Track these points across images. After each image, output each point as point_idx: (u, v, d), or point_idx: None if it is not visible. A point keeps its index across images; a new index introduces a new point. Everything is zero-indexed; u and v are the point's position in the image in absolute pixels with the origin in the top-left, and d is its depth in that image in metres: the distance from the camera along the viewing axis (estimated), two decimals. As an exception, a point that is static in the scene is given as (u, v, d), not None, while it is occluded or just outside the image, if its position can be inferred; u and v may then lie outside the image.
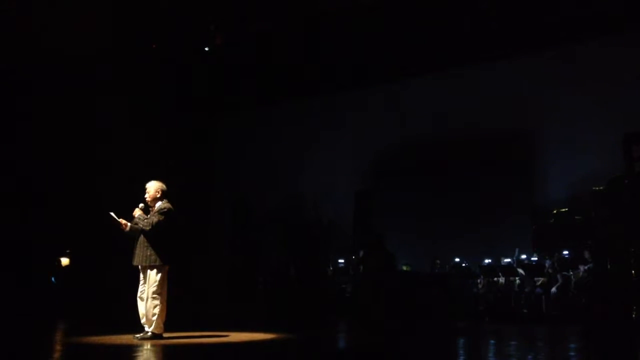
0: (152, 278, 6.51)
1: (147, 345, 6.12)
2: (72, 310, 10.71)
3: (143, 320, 6.59)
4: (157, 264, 6.50)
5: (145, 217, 6.57)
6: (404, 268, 12.32)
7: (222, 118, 15.47)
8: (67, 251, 13.00)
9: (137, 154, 11.86)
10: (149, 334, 6.49)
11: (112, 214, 6.64)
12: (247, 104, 14.86)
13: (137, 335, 6.51)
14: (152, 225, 6.47)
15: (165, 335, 6.59)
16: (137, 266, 6.62)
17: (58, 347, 6.48)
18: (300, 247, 13.61)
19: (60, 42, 10.96)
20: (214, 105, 14.74)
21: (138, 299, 6.62)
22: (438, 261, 12.34)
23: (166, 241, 6.58)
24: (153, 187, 6.73)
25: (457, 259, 12.32)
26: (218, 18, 12.19)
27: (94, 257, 11.81)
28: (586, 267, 10.19)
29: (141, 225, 6.52)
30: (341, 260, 13.38)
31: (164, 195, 6.73)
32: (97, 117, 11.99)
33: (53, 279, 12.62)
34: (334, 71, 13.09)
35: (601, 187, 10.25)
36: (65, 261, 13.03)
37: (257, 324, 8.93)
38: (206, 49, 12.86)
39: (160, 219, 6.52)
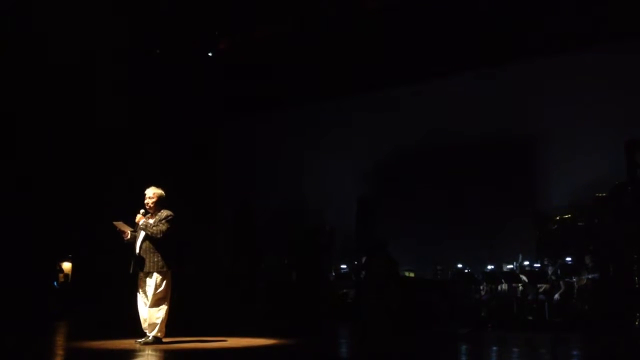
0: (158, 283, 6.51)
1: (148, 350, 6.11)
2: (73, 314, 10.71)
3: (145, 326, 6.59)
4: (164, 269, 6.52)
5: (152, 224, 6.56)
6: (407, 274, 12.29)
7: (225, 122, 15.49)
8: (69, 255, 13.02)
9: (138, 157, 11.89)
10: (151, 338, 6.48)
11: (121, 222, 6.63)
12: (249, 108, 14.88)
13: (139, 340, 6.50)
14: (163, 233, 6.49)
15: (165, 340, 6.59)
16: (137, 273, 6.60)
17: (59, 352, 6.48)
18: (302, 252, 13.59)
19: (62, 45, 11.01)
20: (216, 110, 14.77)
21: (140, 305, 6.60)
22: (439, 267, 12.31)
23: (171, 247, 6.61)
24: (154, 194, 6.73)
25: (459, 265, 12.29)
26: (222, 23, 12.24)
27: (95, 262, 11.82)
28: (590, 277, 10.14)
29: (149, 232, 6.51)
30: (343, 266, 13.36)
31: (164, 201, 6.75)
32: (98, 121, 12.03)
33: (55, 282, 12.63)
34: (336, 76, 13.11)
35: (604, 194, 10.23)
36: (67, 265, 13.05)
37: (258, 329, 8.90)
38: (210, 54, 12.92)
39: (168, 226, 6.54)
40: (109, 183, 11.72)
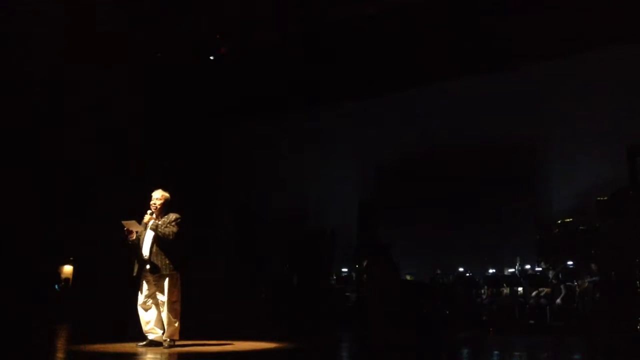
0: (170, 286, 6.51)
1: (149, 354, 6.10)
2: (74, 318, 10.70)
3: (146, 328, 6.58)
4: (175, 271, 6.54)
5: (162, 225, 6.55)
6: (408, 277, 12.29)
7: (226, 124, 15.49)
8: (71, 259, 13.01)
9: (139, 159, 11.88)
10: (170, 341, 6.48)
11: (133, 222, 6.61)
12: (250, 110, 14.88)
13: (140, 344, 6.51)
14: (174, 234, 6.50)
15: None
16: (140, 275, 6.59)
17: (60, 355, 6.47)
18: (303, 256, 13.59)
19: (64, 47, 11.02)
20: (217, 112, 14.77)
21: (142, 308, 6.59)
22: (439, 271, 12.32)
23: (178, 249, 6.63)
24: (162, 196, 6.74)
25: (461, 269, 12.29)
26: (224, 27, 12.25)
27: (96, 265, 11.81)
28: (591, 281, 10.14)
29: (160, 232, 6.49)
30: (344, 269, 13.36)
31: (169, 205, 6.76)
32: (99, 122, 12.03)
33: (56, 286, 12.63)
34: (337, 78, 13.11)
35: (606, 197, 10.22)
36: (68, 268, 13.05)
37: (260, 333, 8.90)
38: (211, 57, 12.93)
39: (178, 228, 6.56)
40: (110, 185, 11.71)
